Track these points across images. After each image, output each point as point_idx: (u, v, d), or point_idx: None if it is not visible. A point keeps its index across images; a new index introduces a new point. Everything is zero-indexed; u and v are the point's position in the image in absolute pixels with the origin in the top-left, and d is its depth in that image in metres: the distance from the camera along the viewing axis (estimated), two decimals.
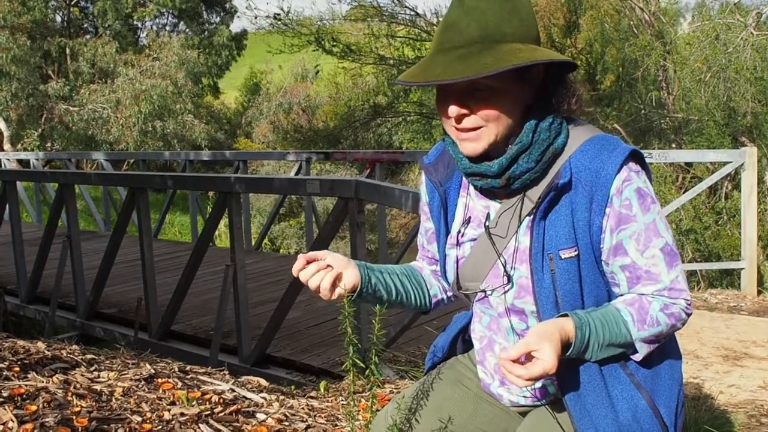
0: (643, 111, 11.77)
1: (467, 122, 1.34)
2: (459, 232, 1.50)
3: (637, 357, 1.39)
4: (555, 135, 1.36)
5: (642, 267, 1.35)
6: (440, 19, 13.15)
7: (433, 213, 1.55)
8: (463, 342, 1.69)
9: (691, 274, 7.88)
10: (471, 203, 1.49)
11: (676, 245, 1.39)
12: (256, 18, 14.48)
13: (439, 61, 1.29)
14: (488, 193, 1.45)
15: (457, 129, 1.36)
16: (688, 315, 1.39)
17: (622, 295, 1.40)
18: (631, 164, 1.34)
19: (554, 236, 1.35)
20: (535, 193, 1.38)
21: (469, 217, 1.49)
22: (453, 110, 1.33)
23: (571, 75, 1.39)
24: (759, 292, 6.24)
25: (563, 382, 1.39)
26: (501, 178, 1.37)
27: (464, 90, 1.31)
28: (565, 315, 1.33)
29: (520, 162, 1.35)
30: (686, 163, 9.51)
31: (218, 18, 26.26)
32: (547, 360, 1.24)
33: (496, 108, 1.32)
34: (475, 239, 1.47)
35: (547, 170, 1.37)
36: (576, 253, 1.35)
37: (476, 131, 1.34)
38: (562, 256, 1.34)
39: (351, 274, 1.45)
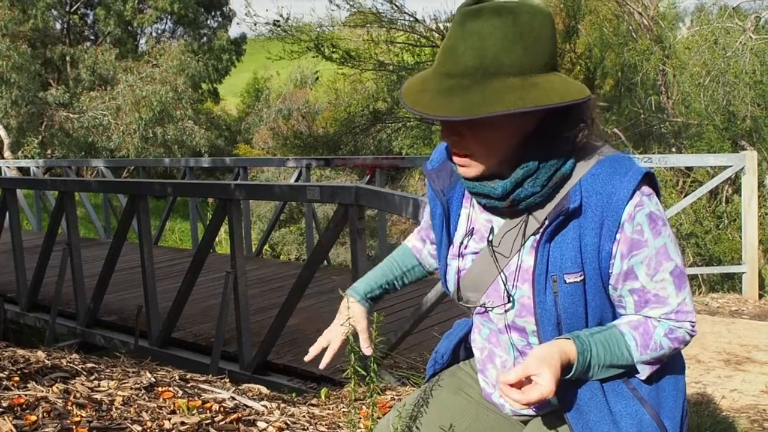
0: (642, 115, 11.77)
1: (459, 147, 1.32)
2: (462, 243, 1.48)
3: (640, 377, 1.39)
4: (564, 160, 1.31)
5: (651, 291, 1.33)
6: (439, 25, 13.19)
7: (435, 221, 1.53)
8: (465, 349, 1.67)
9: (692, 279, 7.87)
10: (474, 215, 1.46)
11: (684, 266, 1.36)
12: (255, 25, 14.44)
13: (431, 86, 1.25)
14: (492, 208, 1.42)
15: (451, 151, 1.35)
16: (692, 336, 1.38)
17: (626, 314, 1.38)
18: (644, 188, 1.31)
19: (559, 258, 1.32)
20: (542, 213, 1.34)
21: (472, 229, 1.46)
22: (445, 136, 1.32)
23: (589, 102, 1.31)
24: (760, 296, 6.23)
25: (565, 398, 1.38)
26: (505, 201, 1.34)
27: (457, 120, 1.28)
28: (568, 338, 1.32)
29: (526, 186, 1.31)
30: (686, 168, 9.50)
31: (216, 23, 26.29)
32: (545, 386, 1.23)
33: (488, 138, 1.29)
34: (477, 252, 1.45)
35: (553, 194, 1.33)
36: (582, 278, 1.32)
37: (468, 158, 1.32)
38: (567, 281, 1.32)
39: (361, 323, 1.62)
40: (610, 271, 1.33)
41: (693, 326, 1.37)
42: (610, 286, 1.36)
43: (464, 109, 1.20)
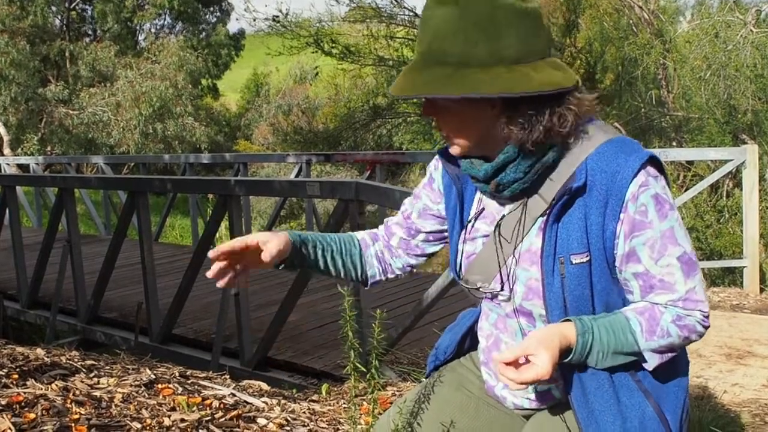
0: (643, 109, 11.76)
1: (437, 127, 1.39)
2: (471, 225, 1.48)
3: (648, 367, 1.36)
4: (545, 151, 1.32)
5: (656, 276, 1.31)
6: None
7: (449, 206, 1.54)
8: (470, 341, 1.67)
9: None
10: (485, 199, 1.47)
11: (695, 254, 1.34)
12: (254, 20, 14.44)
13: (406, 70, 1.34)
14: (482, 190, 1.44)
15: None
16: (705, 327, 1.35)
17: (635, 302, 1.37)
18: (650, 169, 1.30)
19: (566, 239, 1.32)
20: (548, 193, 1.35)
21: (482, 209, 1.47)
22: (425, 114, 1.39)
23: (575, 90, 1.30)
24: (761, 290, 6.22)
25: (572, 387, 1.37)
26: (489, 184, 1.37)
27: (427, 100, 1.35)
28: (570, 320, 1.32)
29: (508, 171, 1.34)
30: (687, 162, 9.49)
31: (215, 18, 26.28)
32: (541, 366, 1.23)
33: (449, 121, 1.35)
34: (488, 235, 1.45)
35: (541, 181, 1.35)
36: (587, 258, 1.32)
37: (447, 137, 1.38)
38: (573, 261, 1.32)
39: (274, 244, 1.45)
40: (615, 252, 1.32)
41: (705, 316, 1.34)
42: (616, 269, 1.35)
43: (408, 89, 1.29)
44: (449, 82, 1.25)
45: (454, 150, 1.38)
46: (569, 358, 1.30)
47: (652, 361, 1.35)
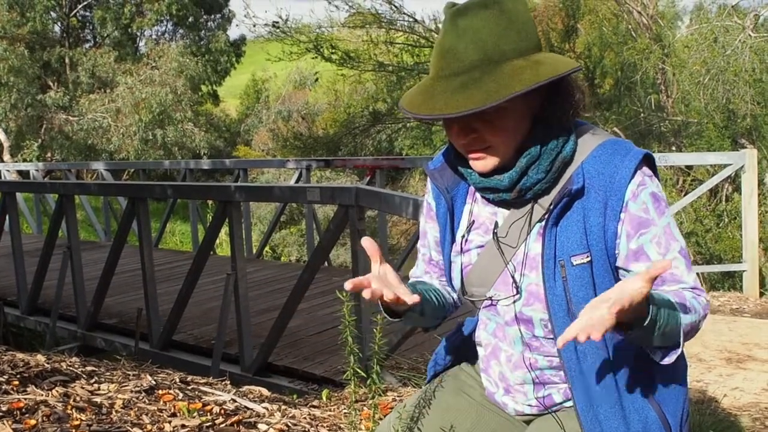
0: (642, 114, 11.78)
1: (476, 143, 1.34)
2: (464, 238, 1.48)
3: (673, 356, 1.29)
4: (563, 143, 1.35)
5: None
6: (438, 25, 13.18)
7: (439, 219, 1.54)
8: (467, 349, 1.67)
9: None
10: (477, 209, 1.48)
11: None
12: (254, 26, 14.49)
13: (441, 89, 1.28)
14: (498, 200, 1.43)
15: (466, 149, 1.36)
16: (706, 313, 1.37)
17: None
18: (645, 168, 1.33)
19: (566, 242, 1.33)
20: (547, 199, 1.36)
21: (473, 222, 1.47)
22: (460, 135, 1.34)
23: (573, 75, 1.36)
24: (761, 294, 6.22)
25: (577, 391, 1.38)
26: (512, 191, 1.36)
27: (468, 118, 1.30)
28: None
29: (530, 174, 1.34)
30: (686, 166, 9.51)
31: (215, 24, 26.30)
32: (604, 317, 1.12)
33: (503, 127, 1.31)
34: (483, 246, 1.45)
35: (558, 179, 1.36)
36: (588, 259, 1.33)
37: (485, 150, 1.34)
38: (574, 263, 1.33)
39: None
40: (616, 252, 1.34)
41: (707, 303, 1.36)
42: (620, 270, 1.36)
43: (485, 98, 1.23)
44: (535, 70, 1.25)
45: (490, 164, 1.35)
46: (645, 322, 1.20)
47: (679, 345, 1.28)
